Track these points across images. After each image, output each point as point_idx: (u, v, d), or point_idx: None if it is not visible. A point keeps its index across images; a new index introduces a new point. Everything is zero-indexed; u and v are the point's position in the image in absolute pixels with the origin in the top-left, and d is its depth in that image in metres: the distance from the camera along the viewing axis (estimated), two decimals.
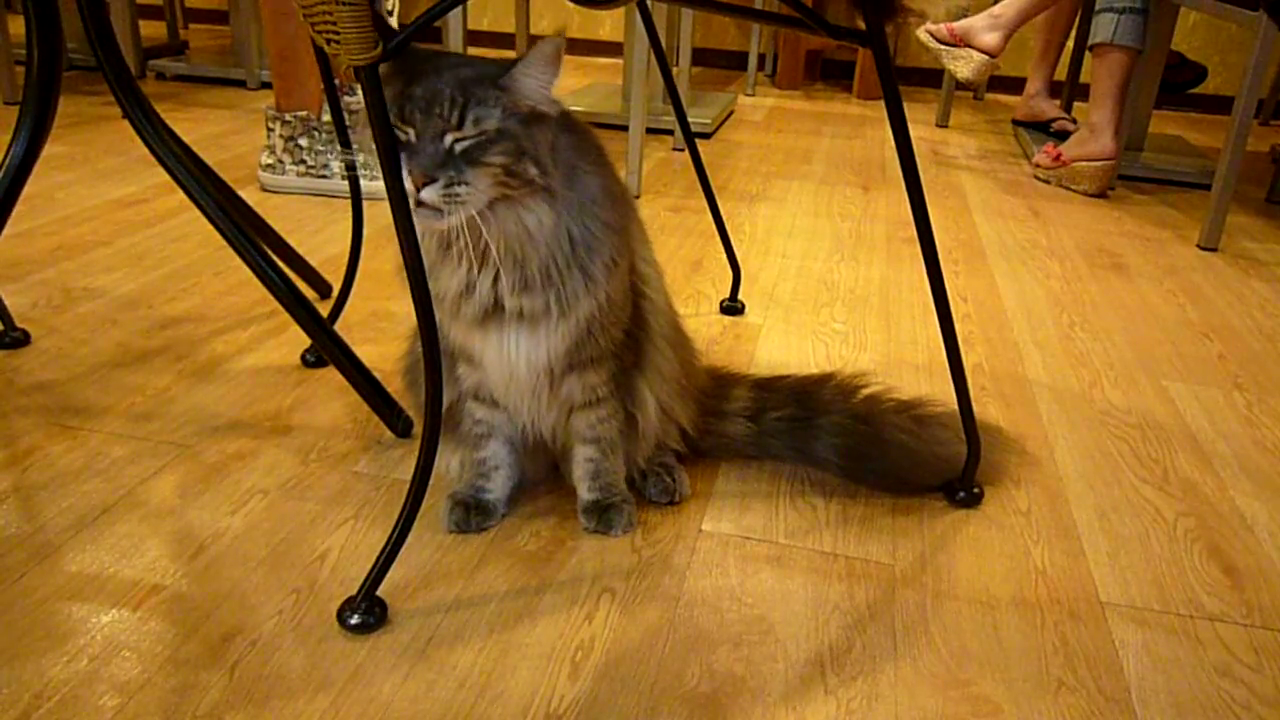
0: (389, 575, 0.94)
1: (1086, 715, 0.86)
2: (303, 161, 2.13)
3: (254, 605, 0.92)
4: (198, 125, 2.72)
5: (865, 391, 1.19)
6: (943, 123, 3.35)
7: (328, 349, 1.23)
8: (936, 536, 1.10)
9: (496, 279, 0.89)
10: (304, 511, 1.06)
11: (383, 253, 1.78)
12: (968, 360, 1.54)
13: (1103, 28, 2.47)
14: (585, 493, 1.05)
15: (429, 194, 0.79)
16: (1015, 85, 3.66)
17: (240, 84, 3.26)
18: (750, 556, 1.04)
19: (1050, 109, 3.12)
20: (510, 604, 0.95)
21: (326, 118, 2.07)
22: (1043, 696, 0.88)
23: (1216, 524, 1.15)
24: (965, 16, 2.76)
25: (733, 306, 1.66)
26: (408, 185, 0.79)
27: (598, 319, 0.93)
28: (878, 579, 1.02)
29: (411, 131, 0.79)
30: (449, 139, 0.79)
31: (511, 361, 0.94)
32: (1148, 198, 2.58)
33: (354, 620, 0.90)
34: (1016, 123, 3.21)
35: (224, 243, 1.22)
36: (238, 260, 1.23)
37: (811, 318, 1.67)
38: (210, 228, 1.22)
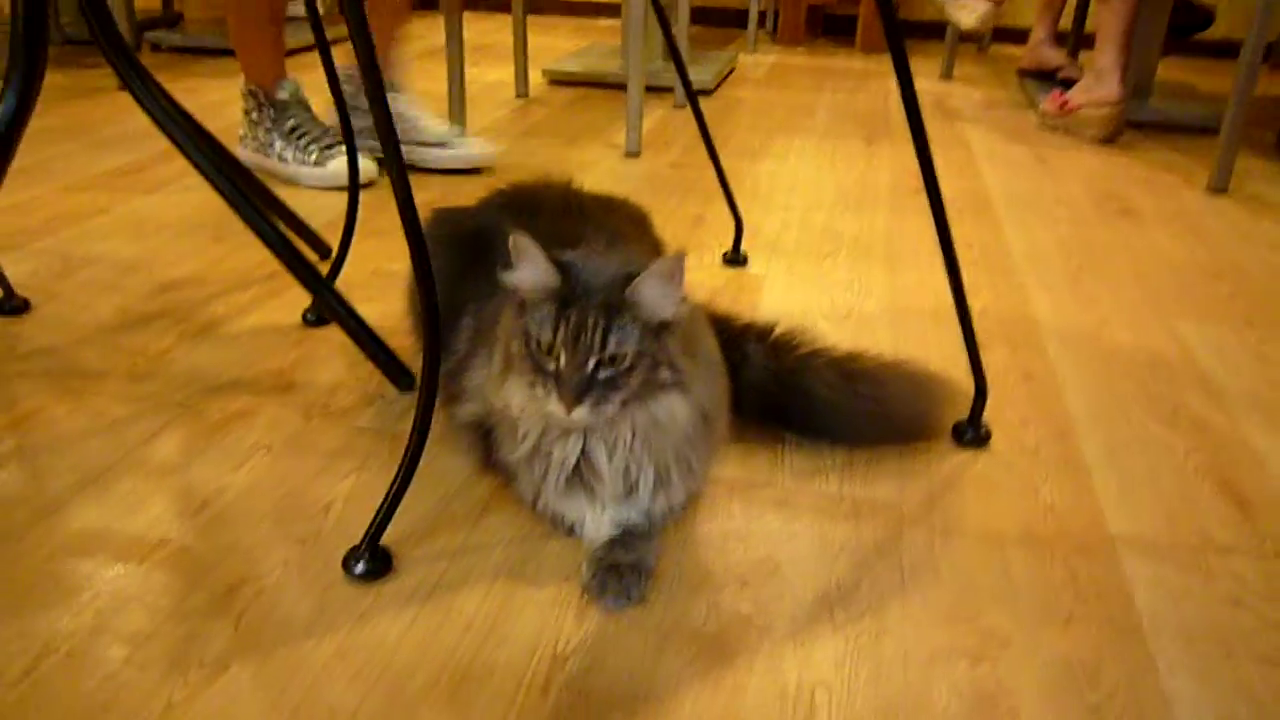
0: (394, 524, 0.93)
1: (1097, 646, 0.85)
2: (256, 138, 2.05)
3: (259, 557, 0.92)
4: (193, 95, 2.70)
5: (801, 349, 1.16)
6: (947, 75, 3.30)
7: (329, 306, 1.22)
8: (944, 476, 1.09)
9: (627, 463, 0.91)
10: (307, 466, 1.06)
11: (381, 215, 1.77)
12: (974, 304, 1.51)
13: None
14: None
15: (578, 414, 0.83)
16: (1020, 36, 3.61)
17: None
18: (755, 500, 1.04)
19: (1056, 57, 3.08)
20: (515, 550, 0.95)
21: (282, 94, 1.99)
22: (1052, 628, 0.87)
23: (1227, 459, 1.14)
24: None
25: (735, 258, 1.65)
26: (558, 409, 0.83)
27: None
28: (885, 519, 1.01)
29: (562, 354, 0.84)
30: (592, 363, 0.83)
31: (582, 525, 0.95)
32: (1156, 143, 2.54)
33: (359, 568, 0.89)
34: (1022, 72, 3.16)
35: (223, 208, 1.21)
36: (237, 224, 1.22)
37: (815, 268, 1.66)
38: (209, 194, 1.21)
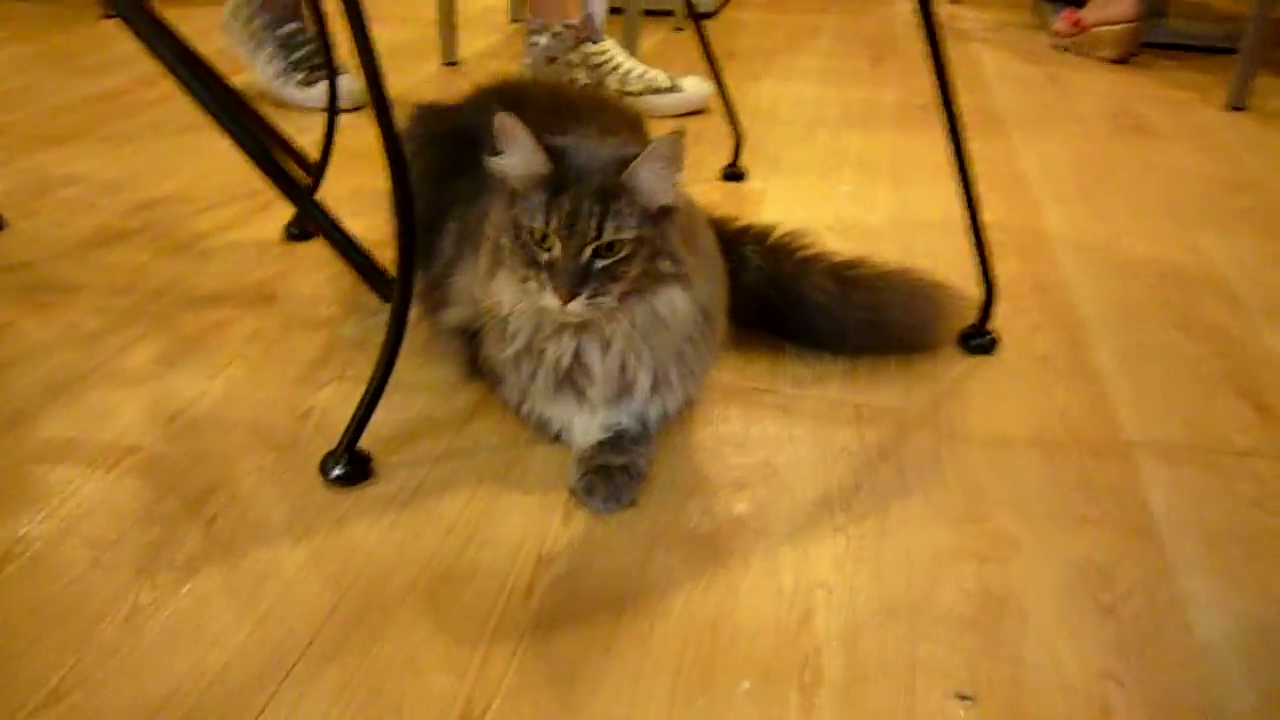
0: (375, 429, 0.89)
1: (1111, 548, 0.81)
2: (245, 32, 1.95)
3: (233, 462, 0.88)
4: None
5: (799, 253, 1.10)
6: None
7: (310, 215, 1.17)
8: (950, 381, 1.04)
9: (622, 363, 0.86)
10: (286, 374, 1.02)
11: (365, 132, 1.71)
12: (984, 217, 1.46)
13: None
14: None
15: (575, 306, 0.78)
16: None
17: None
18: (754, 404, 0.99)
19: None
20: (501, 455, 0.91)
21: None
22: (1064, 531, 0.83)
23: (1246, 364, 1.09)
24: None
25: (735, 173, 1.59)
26: (553, 301, 0.78)
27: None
28: (888, 423, 0.97)
29: (557, 244, 0.79)
30: (588, 252, 0.78)
31: (570, 430, 0.91)
32: (1172, 63, 2.45)
33: (336, 472, 0.85)
34: None
35: (207, 128, 1.15)
36: (221, 144, 1.16)
37: (818, 182, 1.60)
38: (193, 116, 1.15)
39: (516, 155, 0.81)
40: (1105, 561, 0.80)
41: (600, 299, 0.79)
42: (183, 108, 1.82)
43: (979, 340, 1.10)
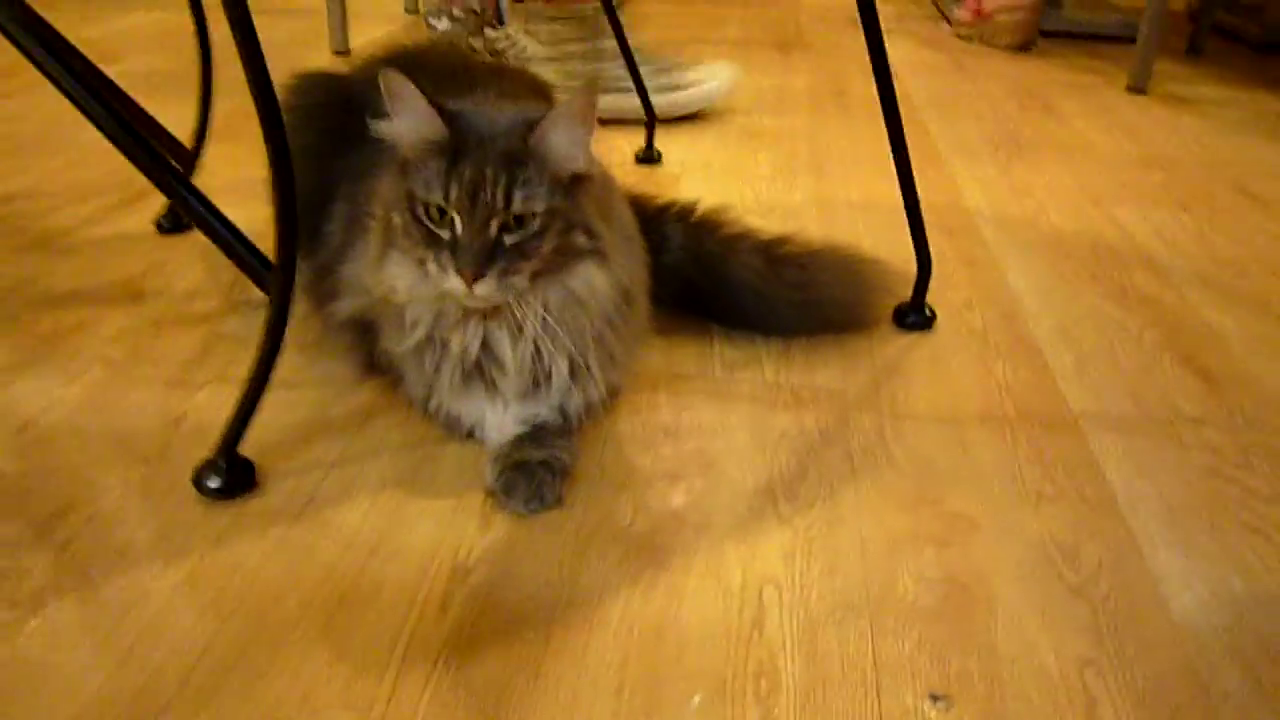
0: (259, 434, 0.78)
1: (1073, 524, 0.76)
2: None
3: (92, 478, 0.76)
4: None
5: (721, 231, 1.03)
6: None
7: (183, 202, 1.04)
8: (889, 360, 0.98)
9: (537, 351, 0.77)
10: (156, 376, 0.90)
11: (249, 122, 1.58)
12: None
13: None
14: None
15: (483, 289, 0.69)
16: None
17: None
18: (684, 391, 0.91)
19: None
20: (406, 457, 0.81)
21: None
22: (1022, 508, 0.77)
23: (1183, 334, 1.06)
24: None
25: (649, 156, 1.51)
26: (456, 284, 0.69)
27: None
28: (829, 405, 0.90)
29: (458, 219, 0.69)
30: (494, 226, 0.69)
31: (483, 427, 0.81)
32: (1071, 50, 2.48)
33: (213, 483, 0.74)
34: None
35: (57, 120, 1.02)
36: (81, 137, 1.04)
37: (735, 164, 1.53)
38: (40, 104, 1.02)
39: (407, 118, 0.72)
40: (1068, 540, 0.74)
41: (510, 279, 0.70)
42: (39, 102, 1.66)
43: (915, 317, 1.04)
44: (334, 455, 0.80)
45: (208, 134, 1.27)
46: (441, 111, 0.71)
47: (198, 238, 1.17)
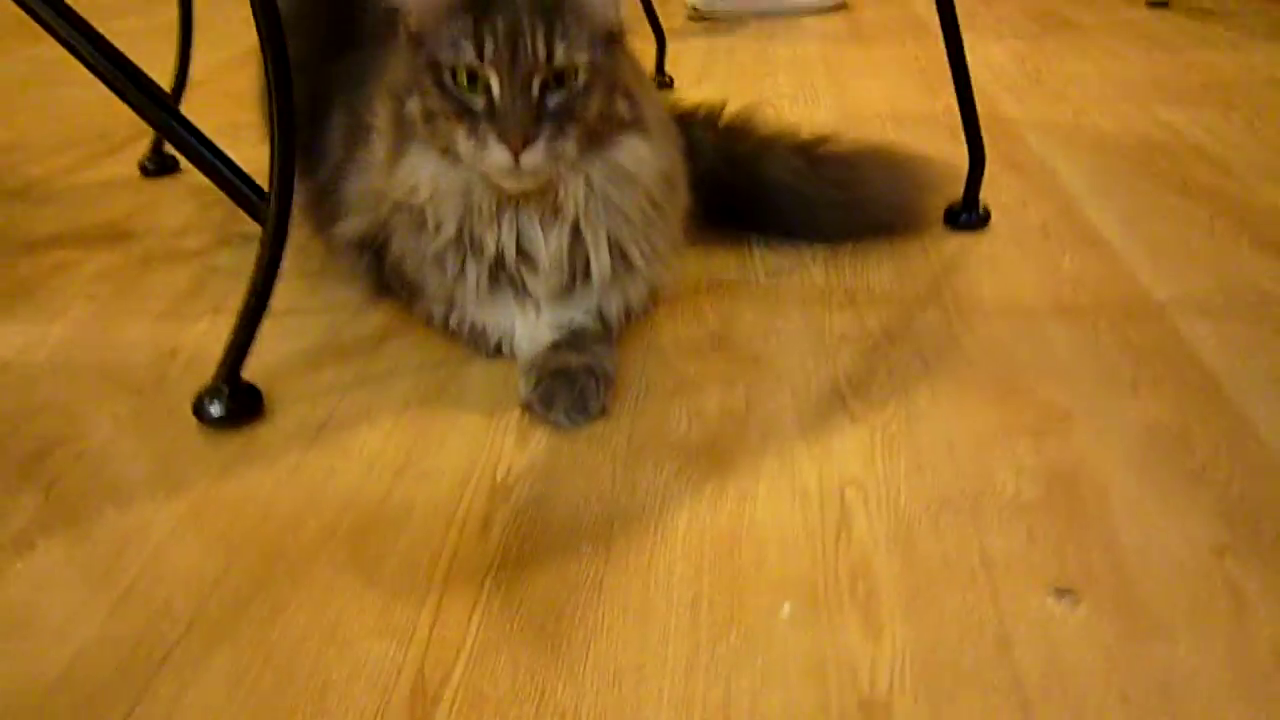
0: (264, 361, 0.71)
1: (1176, 410, 0.68)
2: None
3: (80, 414, 0.68)
4: None
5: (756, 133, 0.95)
6: None
7: (171, 132, 0.94)
8: (947, 259, 0.90)
9: (576, 240, 0.68)
10: (147, 310, 0.82)
11: (245, 72, 1.49)
12: (935, 104, 1.34)
13: None
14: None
15: (532, 158, 0.60)
16: None
17: None
18: (728, 296, 0.83)
19: None
20: (428, 377, 0.73)
21: None
22: (1119, 396, 0.69)
23: (1256, 220, 0.98)
24: None
25: (661, 81, 1.43)
26: (500, 156, 0.60)
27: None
28: (887, 305, 0.82)
29: (494, 78, 0.60)
30: (537, 84, 0.61)
31: (512, 338, 0.73)
32: None
33: (215, 410, 0.66)
34: None
35: (42, 80, 0.93)
36: (58, 94, 0.95)
37: (754, 85, 1.45)
38: (26, 68, 0.93)
39: None
40: (1175, 425, 0.66)
41: (559, 146, 0.62)
42: (12, 63, 1.57)
43: (970, 215, 0.96)
44: (348, 378, 0.72)
45: (187, 81, 1.18)
46: None
47: (185, 179, 1.09)
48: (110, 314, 0.81)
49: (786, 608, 0.51)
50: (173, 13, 1.13)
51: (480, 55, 0.61)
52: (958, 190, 0.97)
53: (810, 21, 1.90)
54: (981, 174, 0.96)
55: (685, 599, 0.52)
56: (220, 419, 0.66)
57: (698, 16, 1.90)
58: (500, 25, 0.60)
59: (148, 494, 0.60)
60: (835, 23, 1.88)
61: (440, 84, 0.63)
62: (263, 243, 0.67)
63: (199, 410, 0.66)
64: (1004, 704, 0.46)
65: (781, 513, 0.58)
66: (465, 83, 0.62)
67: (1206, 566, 0.54)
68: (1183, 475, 0.61)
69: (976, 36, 1.75)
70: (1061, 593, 0.52)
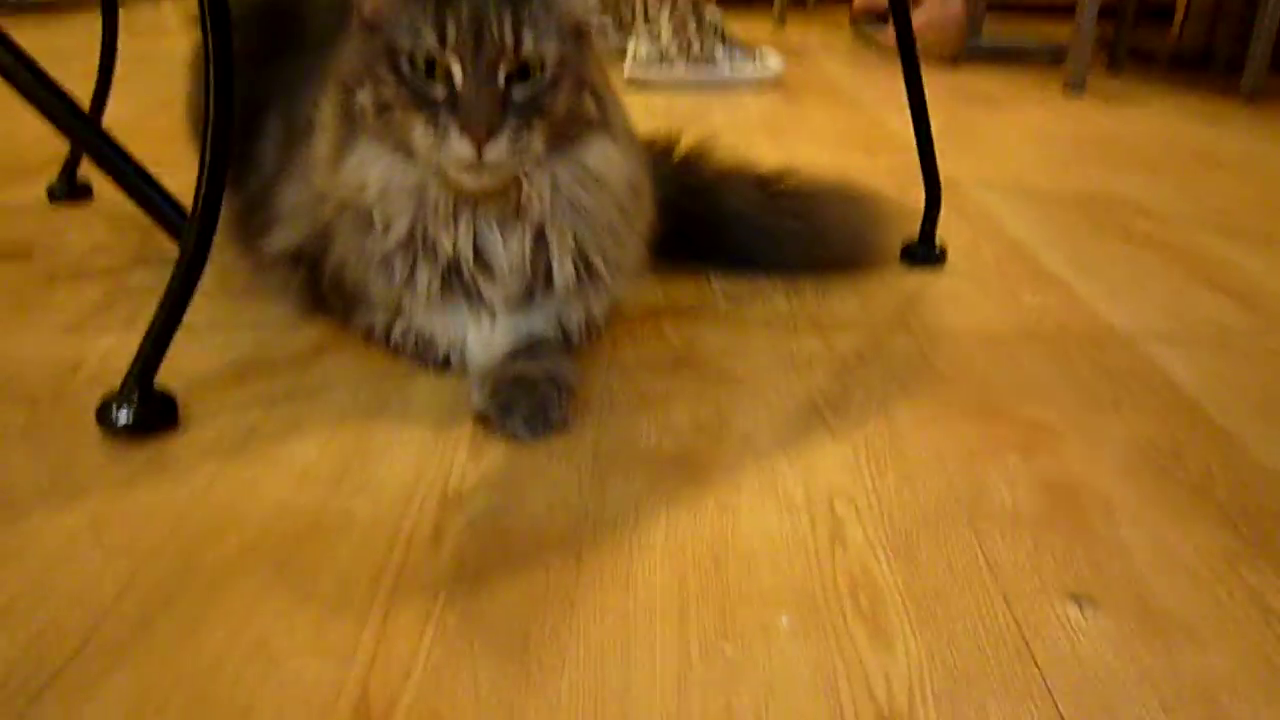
0: (183, 371, 0.63)
1: (1163, 427, 0.65)
2: (691, 54, 1.95)
3: None
4: None
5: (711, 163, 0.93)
6: (780, 23, 3.21)
7: (89, 144, 0.87)
8: (907, 291, 0.88)
9: (539, 244, 0.63)
10: (47, 323, 0.73)
11: (168, 112, 1.43)
12: (875, 164, 1.34)
13: None
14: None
15: (495, 153, 0.56)
16: None
17: None
18: (690, 319, 0.79)
19: None
20: (368, 389, 0.66)
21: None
22: (1102, 415, 0.66)
23: (1204, 265, 0.98)
24: None
25: None
26: (462, 149, 0.55)
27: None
28: (855, 330, 0.79)
29: (457, 66, 0.56)
30: (502, 74, 0.57)
31: (462, 350, 0.67)
32: (997, 66, 2.49)
33: (123, 417, 0.58)
34: (854, 17, 3.10)
35: None
36: None
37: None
38: None
39: None
40: (1165, 442, 0.63)
41: (525, 141, 0.57)
42: None
43: (926, 252, 0.94)
44: (277, 392, 0.65)
45: (105, 108, 1.11)
46: None
47: (97, 205, 1.01)
48: (3, 326, 0.72)
49: (785, 619, 0.46)
50: (86, 63, 1.06)
51: (442, 41, 0.56)
52: (912, 229, 0.96)
53: (745, 93, 1.92)
54: (938, 211, 0.95)
55: (670, 611, 0.46)
56: (127, 426, 0.58)
57: (634, 84, 1.91)
58: (464, 10, 0.56)
59: (36, 506, 0.52)
60: (770, 95, 1.91)
61: (397, 72, 0.58)
62: (185, 236, 0.61)
63: (103, 417, 0.58)
64: (1038, 713, 0.41)
65: (768, 524, 0.53)
66: (424, 70, 0.57)
67: (1221, 574, 0.50)
68: (1181, 488, 0.58)
69: (903, 110, 1.79)
70: (1079, 600, 0.48)
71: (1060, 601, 0.48)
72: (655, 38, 1.96)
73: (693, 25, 1.97)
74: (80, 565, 0.47)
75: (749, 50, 2.02)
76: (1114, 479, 0.59)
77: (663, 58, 1.96)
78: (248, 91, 0.78)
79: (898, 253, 0.95)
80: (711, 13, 2.00)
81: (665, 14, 1.96)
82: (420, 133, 0.57)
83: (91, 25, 1.06)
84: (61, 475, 0.54)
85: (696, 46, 1.96)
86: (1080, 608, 0.47)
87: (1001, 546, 0.52)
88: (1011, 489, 0.57)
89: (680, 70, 1.95)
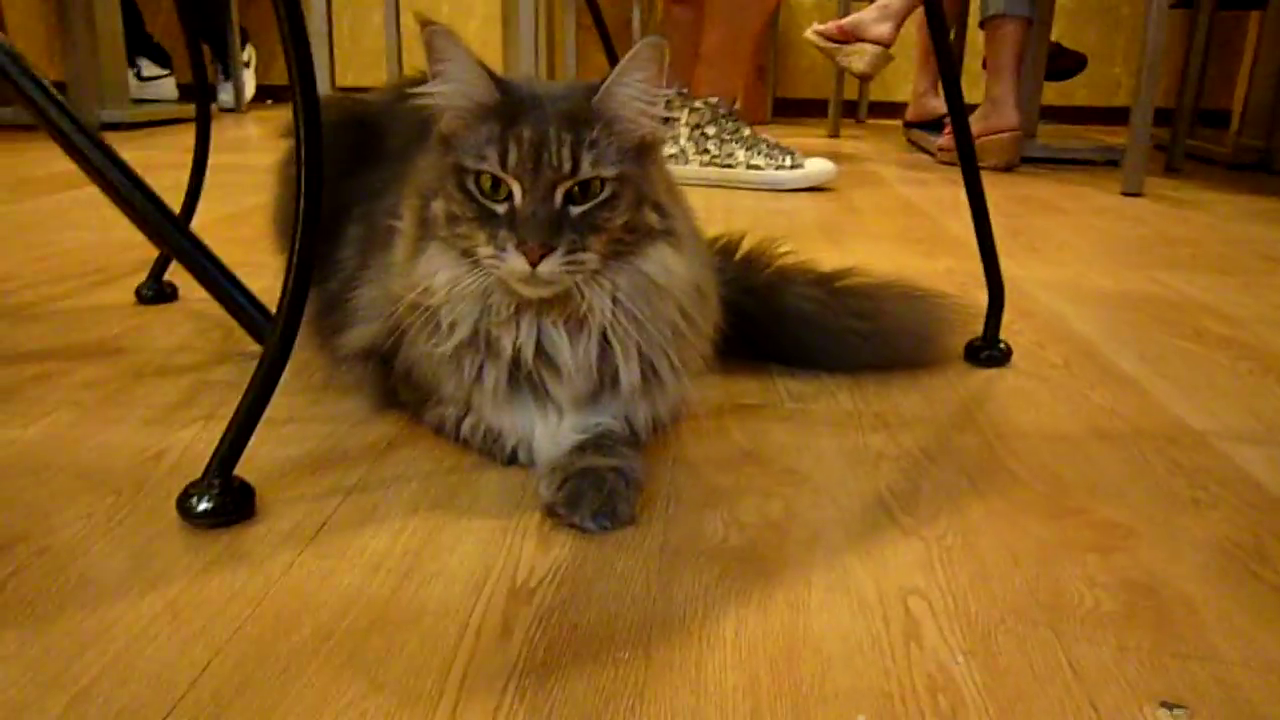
0: (260, 464, 0.65)
1: (1247, 527, 0.63)
2: (706, 150, 2.05)
3: (47, 512, 0.61)
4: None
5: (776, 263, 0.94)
6: (834, 135, 3.29)
7: (180, 248, 0.91)
8: (973, 390, 0.87)
9: (603, 348, 0.65)
10: (132, 417, 0.76)
11: (250, 220, 1.50)
12: (935, 266, 1.35)
13: (994, 1, 2.43)
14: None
15: (549, 267, 0.59)
16: (892, 110, 3.67)
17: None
18: (753, 418, 0.79)
19: (940, 105, 3.09)
20: (439, 482, 0.67)
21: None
22: (1180, 515, 0.65)
23: (1276, 363, 0.96)
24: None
25: None
26: (518, 264, 0.59)
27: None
28: (922, 428, 0.78)
29: (517, 187, 0.60)
30: (560, 194, 0.60)
31: (530, 445, 0.68)
32: (1054, 170, 2.51)
33: (203, 505, 0.60)
34: (909, 124, 3.16)
35: (45, 225, 0.93)
36: (57, 236, 0.94)
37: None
38: (29, 215, 0.92)
39: (453, 79, 0.63)
40: (1248, 541, 0.61)
41: (579, 257, 0.60)
42: (16, 210, 1.57)
43: (991, 351, 0.94)
44: (350, 483, 0.66)
45: (196, 207, 1.17)
46: (491, 74, 0.62)
47: (183, 306, 1.06)
48: (93, 420, 0.75)
49: (861, 718, 0.44)
50: (173, 176, 1.13)
51: (504, 163, 0.60)
52: (975, 330, 0.96)
53: (802, 195, 1.96)
54: (1001, 308, 0.95)
55: (743, 710, 0.45)
56: (206, 514, 0.59)
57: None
58: (526, 134, 0.60)
59: (118, 592, 0.53)
60: (826, 198, 1.94)
61: (463, 188, 0.62)
62: (270, 330, 0.63)
63: (183, 506, 0.60)
64: None
65: (840, 622, 0.52)
66: (489, 188, 0.61)
67: None
68: (1268, 589, 0.56)
69: (965, 217, 1.81)
70: (1171, 707, 0.46)
71: (1150, 707, 0.46)
72: (674, 139, 2.06)
73: (712, 129, 2.06)
74: (158, 650, 0.48)
75: (787, 153, 2.06)
76: (1197, 580, 0.57)
77: (679, 157, 2.06)
78: (331, 198, 0.82)
79: (961, 352, 0.95)
80: (735, 119, 2.08)
81: (684, 115, 2.07)
82: (483, 245, 0.60)
83: (176, 141, 1.13)
84: (142, 562, 0.56)
85: (714, 148, 2.06)
86: (1174, 713, 0.45)
87: (1085, 649, 0.50)
88: (1091, 589, 0.55)
89: (694, 169, 2.05)
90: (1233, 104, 3.07)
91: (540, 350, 0.65)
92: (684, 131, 2.08)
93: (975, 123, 2.51)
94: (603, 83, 0.62)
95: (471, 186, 0.61)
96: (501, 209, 0.60)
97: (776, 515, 0.63)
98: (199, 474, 0.61)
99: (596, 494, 0.60)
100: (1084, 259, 1.44)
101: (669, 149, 2.04)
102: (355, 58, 4.10)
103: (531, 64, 2.22)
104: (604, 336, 0.65)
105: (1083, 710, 0.46)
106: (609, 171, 0.61)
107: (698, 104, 2.06)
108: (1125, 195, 2.08)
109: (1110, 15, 3.98)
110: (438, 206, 0.64)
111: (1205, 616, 0.53)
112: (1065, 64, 3.10)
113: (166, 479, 0.66)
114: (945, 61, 1.00)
